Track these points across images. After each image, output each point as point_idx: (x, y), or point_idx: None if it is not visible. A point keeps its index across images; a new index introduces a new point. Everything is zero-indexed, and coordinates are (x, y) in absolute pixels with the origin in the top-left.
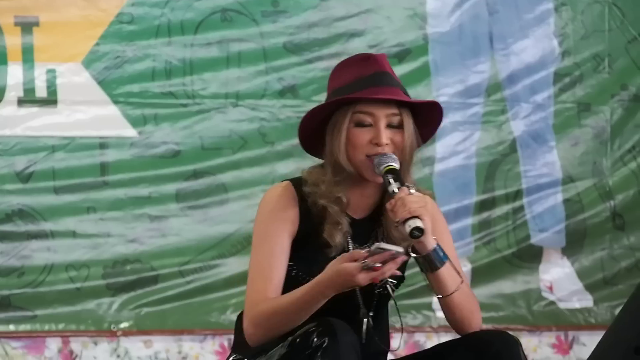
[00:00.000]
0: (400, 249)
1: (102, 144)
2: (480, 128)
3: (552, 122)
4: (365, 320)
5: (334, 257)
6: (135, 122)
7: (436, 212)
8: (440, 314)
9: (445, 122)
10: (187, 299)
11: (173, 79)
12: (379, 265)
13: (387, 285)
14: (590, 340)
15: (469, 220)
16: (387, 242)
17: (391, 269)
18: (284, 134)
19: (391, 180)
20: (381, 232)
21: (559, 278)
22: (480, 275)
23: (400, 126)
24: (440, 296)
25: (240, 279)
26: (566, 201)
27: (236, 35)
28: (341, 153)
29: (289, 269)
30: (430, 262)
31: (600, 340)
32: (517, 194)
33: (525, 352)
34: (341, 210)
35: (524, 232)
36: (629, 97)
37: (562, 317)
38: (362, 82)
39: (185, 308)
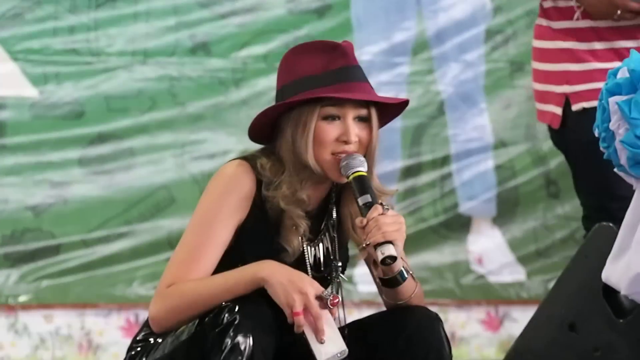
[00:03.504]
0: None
1: (0, 104)
2: (405, 89)
3: (482, 82)
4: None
5: (292, 263)
6: (35, 80)
7: None
8: (361, 287)
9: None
10: (90, 271)
11: (76, 35)
12: (336, 301)
13: (338, 277)
14: (522, 316)
15: (393, 187)
16: (338, 233)
17: (321, 325)
18: (196, 94)
19: (360, 191)
20: (330, 224)
21: (489, 249)
22: (405, 246)
23: (367, 120)
24: (392, 302)
25: (148, 249)
26: (497, 167)
27: None
28: (309, 152)
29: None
30: (392, 283)
31: (533, 316)
32: (445, 160)
33: (453, 329)
34: (302, 212)
35: (451, 201)
36: None
37: (492, 291)
38: (331, 76)
39: (89, 280)
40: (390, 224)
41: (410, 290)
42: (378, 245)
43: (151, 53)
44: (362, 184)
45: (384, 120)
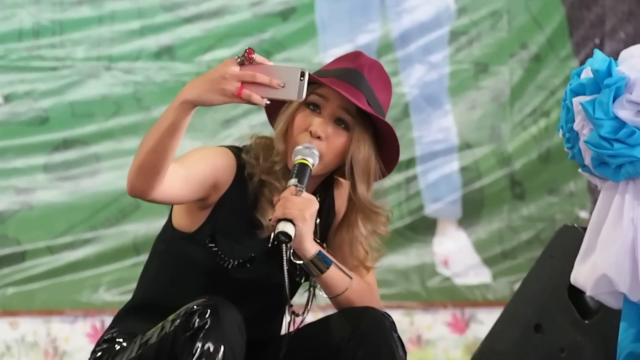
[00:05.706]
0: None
1: None
2: None
3: (447, 84)
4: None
5: (266, 239)
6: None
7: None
8: None
9: None
10: (56, 277)
11: (41, 40)
12: (253, 57)
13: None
14: (488, 318)
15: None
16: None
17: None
18: (161, 98)
19: (293, 175)
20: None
21: (454, 251)
22: None
23: (347, 128)
24: (328, 296)
25: (114, 254)
26: (462, 169)
27: None
28: (278, 132)
29: (212, 255)
30: (312, 269)
31: (499, 317)
32: (410, 162)
33: (419, 331)
34: (281, 186)
35: (417, 203)
36: (529, 57)
37: (458, 293)
38: (334, 72)
39: (55, 287)
40: (297, 203)
41: (340, 284)
42: (278, 222)
43: (116, 58)
44: (299, 171)
45: (386, 164)
